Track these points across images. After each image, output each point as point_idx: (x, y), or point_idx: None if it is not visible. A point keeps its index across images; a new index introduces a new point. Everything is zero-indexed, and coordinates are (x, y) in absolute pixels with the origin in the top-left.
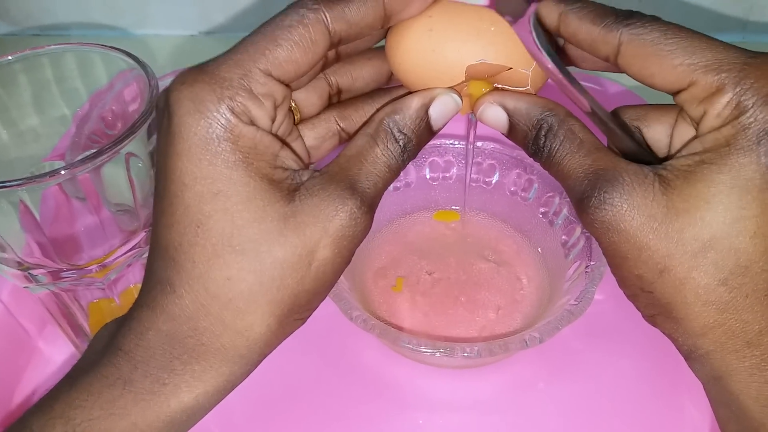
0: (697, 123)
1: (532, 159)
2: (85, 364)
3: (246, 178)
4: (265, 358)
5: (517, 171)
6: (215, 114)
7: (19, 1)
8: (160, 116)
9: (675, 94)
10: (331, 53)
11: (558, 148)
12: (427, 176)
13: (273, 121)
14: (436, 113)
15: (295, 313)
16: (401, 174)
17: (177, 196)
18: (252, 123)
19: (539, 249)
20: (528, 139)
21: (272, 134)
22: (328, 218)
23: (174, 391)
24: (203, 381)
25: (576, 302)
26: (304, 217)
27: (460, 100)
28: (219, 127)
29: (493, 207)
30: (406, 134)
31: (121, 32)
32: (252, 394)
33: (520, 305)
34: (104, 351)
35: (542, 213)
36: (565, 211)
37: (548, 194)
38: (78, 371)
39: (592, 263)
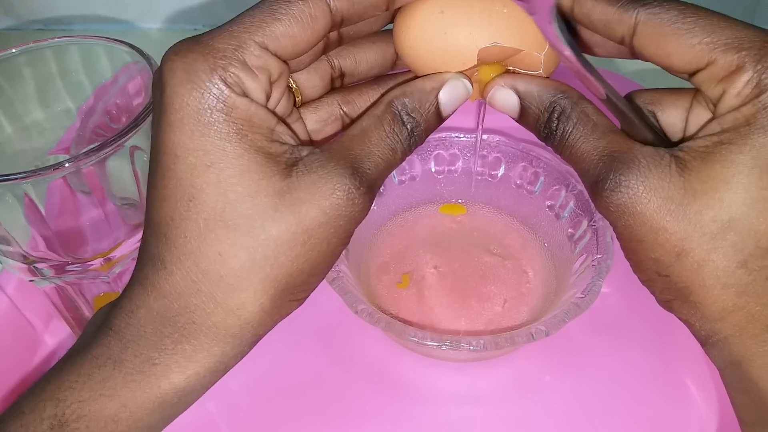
0: (714, 103)
1: (543, 149)
2: (78, 346)
3: (240, 150)
4: (259, 339)
5: (523, 164)
6: (207, 84)
7: None
8: (154, 89)
9: (692, 74)
10: (334, 35)
11: (571, 131)
12: (433, 169)
13: (268, 96)
14: (446, 98)
15: (290, 294)
16: (406, 167)
17: (169, 169)
18: (245, 95)
19: (545, 242)
20: (540, 122)
21: (267, 109)
22: (325, 196)
23: (164, 371)
24: (194, 361)
25: (583, 295)
26: (300, 194)
27: (470, 86)
28: (211, 97)
29: (498, 200)
30: (414, 118)
31: (125, 26)
32: (257, 388)
33: (526, 298)
34: (97, 332)
35: (548, 206)
36: (571, 204)
37: (554, 187)
38: (72, 353)
39: (598, 256)
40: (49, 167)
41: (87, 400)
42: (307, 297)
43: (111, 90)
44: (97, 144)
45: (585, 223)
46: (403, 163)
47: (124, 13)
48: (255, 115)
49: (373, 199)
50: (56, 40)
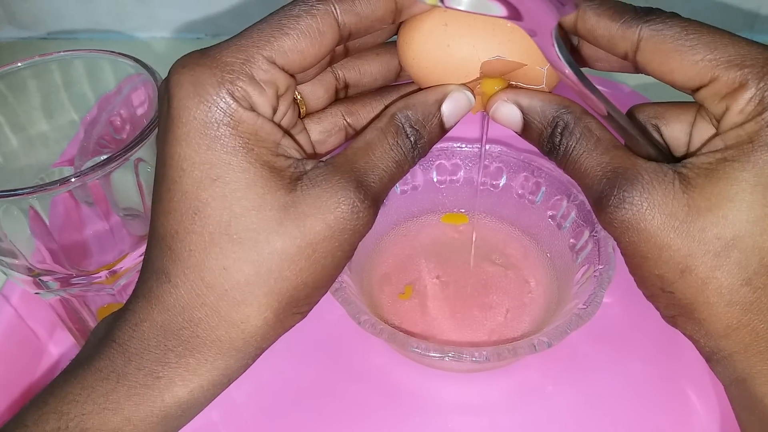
0: (718, 120)
1: (544, 159)
2: (81, 358)
3: (245, 164)
4: (262, 352)
5: (525, 174)
6: (215, 98)
7: (26, 5)
8: (161, 101)
9: (695, 90)
10: (340, 48)
11: (574, 146)
12: (435, 179)
13: (275, 110)
14: (448, 110)
15: (294, 307)
16: (408, 177)
17: (175, 182)
18: (252, 109)
19: (547, 252)
20: (543, 137)
21: (274, 122)
22: (330, 210)
23: (168, 385)
24: (198, 375)
25: (585, 306)
26: (305, 208)
27: (473, 98)
28: (218, 111)
29: (500, 210)
30: (417, 130)
31: (128, 36)
32: (260, 397)
33: (528, 308)
34: (100, 344)
35: (550, 216)
36: (573, 214)
37: (556, 197)
38: (74, 365)
39: (600, 267)
40: (55, 182)
41: (90, 414)
42: (311, 310)
43: (114, 101)
44: (102, 158)
45: (587, 233)
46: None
47: (128, 22)
48: (261, 129)
49: (377, 212)
50: (61, 53)
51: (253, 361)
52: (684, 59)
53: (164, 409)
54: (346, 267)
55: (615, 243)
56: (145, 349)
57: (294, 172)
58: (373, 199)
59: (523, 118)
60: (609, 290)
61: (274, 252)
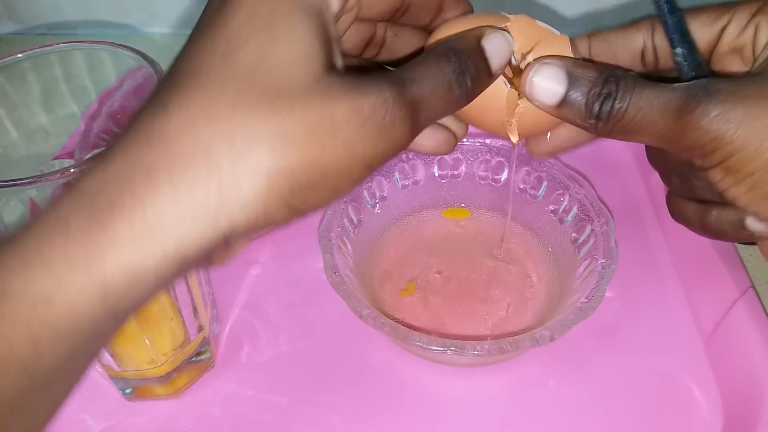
0: None
1: (586, 128)
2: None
3: (297, 24)
4: (234, 232)
5: (527, 169)
6: None
7: (26, 1)
8: None
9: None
10: (380, 33)
11: (631, 99)
12: (436, 174)
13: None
14: (491, 47)
15: (288, 191)
16: (409, 171)
17: (223, 24)
18: None
19: (549, 247)
20: (590, 96)
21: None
22: (359, 96)
23: (113, 238)
24: (161, 233)
25: (587, 300)
26: (336, 89)
27: (511, 39)
28: None
29: (502, 205)
30: (466, 62)
31: (129, 30)
32: (261, 392)
33: (530, 303)
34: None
35: (552, 211)
36: (575, 209)
37: (557, 192)
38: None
39: (602, 261)
40: (55, 172)
41: (12, 269)
42: (300, 218)
43: (115, 95)
44: (101, 149)
45: (588, 228)
46: (406, 168)
47: (128, 17)
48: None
49: (413, 129)
50: (61, 45)
51: (219, 247)
52: None
53: (105, 273)
54: (349, 261)
55: (616, 239)
56: (103, 185)
57: (335, 60)
58: (410, 106)
59: (567, 79)
60: (611, 284)
61: (290, 115)
